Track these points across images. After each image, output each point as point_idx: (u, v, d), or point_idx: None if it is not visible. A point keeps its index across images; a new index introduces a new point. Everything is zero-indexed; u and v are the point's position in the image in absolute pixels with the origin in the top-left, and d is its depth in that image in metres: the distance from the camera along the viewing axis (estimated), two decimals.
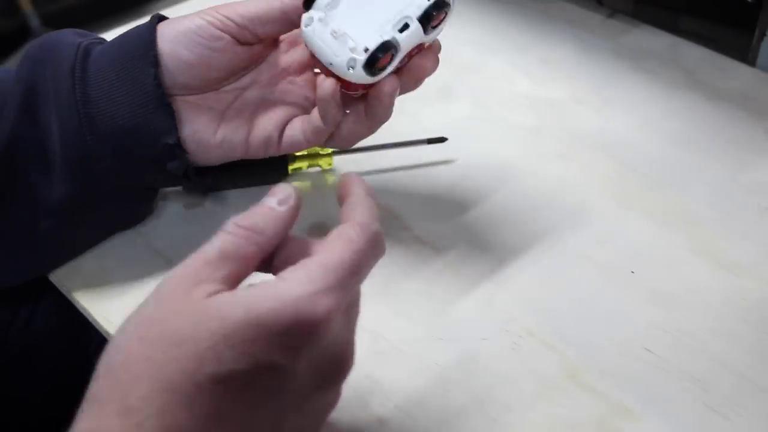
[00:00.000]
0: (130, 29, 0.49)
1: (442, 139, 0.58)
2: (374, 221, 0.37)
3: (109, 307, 0.49)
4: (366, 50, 0.43)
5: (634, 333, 0.47)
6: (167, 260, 0.52)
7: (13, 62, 1.70)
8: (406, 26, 0.44)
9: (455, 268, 0.51)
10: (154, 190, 0.54)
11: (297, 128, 0.50)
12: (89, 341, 0.58)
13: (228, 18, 0.47)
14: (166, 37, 0.47)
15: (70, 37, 0.49)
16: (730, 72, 0.65)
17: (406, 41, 0.44)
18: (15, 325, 0.55)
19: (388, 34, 0.44)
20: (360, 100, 0.47)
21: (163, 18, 0.49)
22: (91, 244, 0.52)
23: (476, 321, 0.48)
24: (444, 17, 0.45)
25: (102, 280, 0.51)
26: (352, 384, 0.38)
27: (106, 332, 0.48)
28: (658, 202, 0.55)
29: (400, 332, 0.47)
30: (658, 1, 0.70)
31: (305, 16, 0.45)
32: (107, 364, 0.34)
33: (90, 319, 0.49)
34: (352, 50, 0.43)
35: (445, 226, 0.54)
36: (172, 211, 0.55)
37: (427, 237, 0.53)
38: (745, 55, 0.65)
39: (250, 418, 0.34)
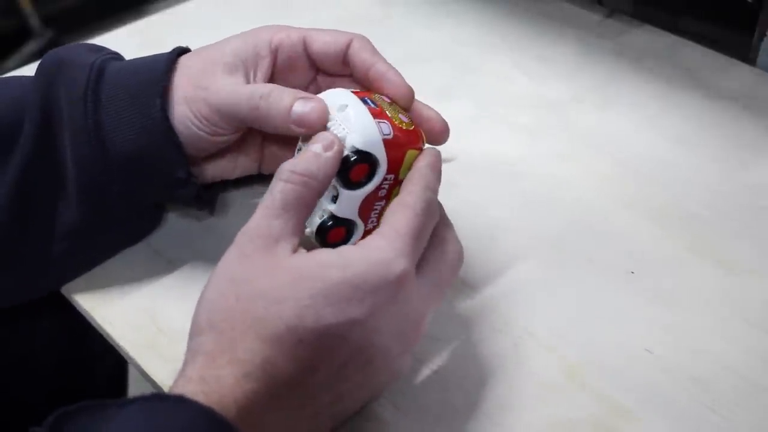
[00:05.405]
0: (150, 56, 0.48)
1: None
2: (428, 189, 0.41)
3: (109, 309, 0.49)
4: (312, 233, 0.43)
5: (634, 333, 0.47)
6: (167, 261, 0.52)
7: (13, 62, 1.70)
8: (336, 196, 0.43)
9: None
10: (161, 206, 0.54)
11: None
12: (91, 343, 0.58)
13: (218, 120, 0.45)
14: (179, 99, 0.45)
15: (83, 54, 0.48)
16: (730, 72, 0.65)
17: (346, 208, 0.43)
18: (16, 328, 0.55)
19: (325, 212, 0.43)
20: None
21: (184, 51, 0.48)
22: (101, 261, 0.52)
23: (476, 321, 0.48)
24: (372, 168, 0.42)
25: (102, 282, 0.51)
26: None
27: (107, 334, 0.48)
28: (658, 202, 0.55)
29: None
30: (658, 1, 0.70)
31: None
32: (209, 321, 0.37)
33: (91, 321, 0.49)
34: (309, 232, 0.43)
35: None
36: (173, 211, 0.55)
37: None
38: (745, 55, 0.65)
39: (341, 368, 0.37)
